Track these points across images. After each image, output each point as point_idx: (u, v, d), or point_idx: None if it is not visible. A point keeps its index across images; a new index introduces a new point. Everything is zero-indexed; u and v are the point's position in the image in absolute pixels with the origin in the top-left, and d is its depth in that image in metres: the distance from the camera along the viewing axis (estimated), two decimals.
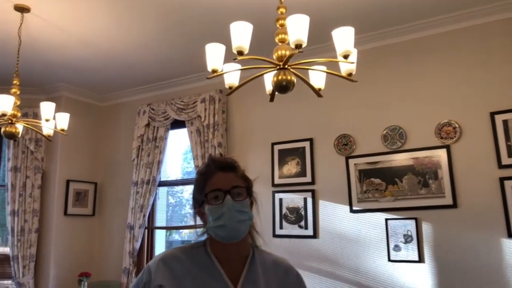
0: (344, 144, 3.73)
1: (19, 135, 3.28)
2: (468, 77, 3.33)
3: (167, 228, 5.07)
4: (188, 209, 4.98)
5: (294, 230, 3.82)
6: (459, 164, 3.26)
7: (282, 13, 2.19)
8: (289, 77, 2.07)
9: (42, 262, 4.75)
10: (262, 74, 2.28)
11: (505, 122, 3.13)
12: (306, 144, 3.91)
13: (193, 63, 4.26)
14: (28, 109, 4.72)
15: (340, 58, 2.03)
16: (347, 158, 3.69)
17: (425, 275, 3.23)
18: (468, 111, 3.29)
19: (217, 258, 1.23)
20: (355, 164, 3.64)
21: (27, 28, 3.42)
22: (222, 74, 2.16)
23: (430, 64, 3.49)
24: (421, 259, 3.26)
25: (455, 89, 3.36)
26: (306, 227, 3.77)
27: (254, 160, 4.19)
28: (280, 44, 2.12)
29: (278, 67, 2.10)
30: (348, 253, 3.56)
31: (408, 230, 3.33)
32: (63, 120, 3.36)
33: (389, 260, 3.36)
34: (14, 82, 3.25)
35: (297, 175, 3.90)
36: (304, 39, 1.89)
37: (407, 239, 3.32)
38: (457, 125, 3.29)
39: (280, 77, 2.07)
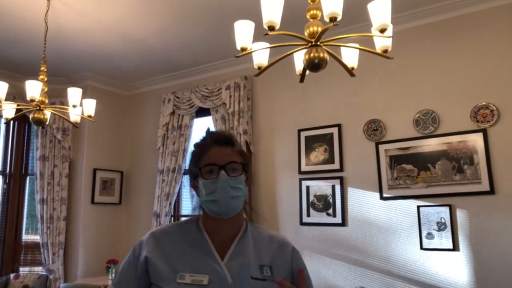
0: (374, 130, 3.62)
1: (47, 122, 3.30)
2: (508, 57, 3.16)
3: (193, 216, 5.06)
4: None
5: (322, 217, 3.74)
6: (496, 148, 3.11)
7: None
8: (321, 54, 1.99)
9: (70, 249, 4.83)
10: (293, 53, 2.20)
11: None
12: (334, 130, 3.81)
13: (218, 49, 4.21)
14: (55, 99, 4.76)
15: (375, 33, 1.93)
16: (377, 144, 3.58)
17: (460, 264, 3.11)
18: (507, 92, 3.12)
19: (208, 232, 1.22)
20: (385, 150, 3.53)
21: (53, 13, 3.42)
22: (252, 52, 2.10)
23: (465, 44, 3.33)
24: (455, 247, 3.14)
25: (493, 70, 3.20)
26: (334, 215, 3.69)
27: (280, 147, 4.12)
28: (311, 20, 2.03)
29: (310, 44, 2.02)
30: (378, 241, 3.47)
31: (441, 218, 3.21)
32: (89, 106, 3.36)
33: (421, 248, 3.26)
34: (42, 68, 3.26)
35: (325, 162, 3.82)
36: (339, 12, 1.80)
37: (441, 226, 3.21)
38: (494, 108, 3.13)
39: (312, 55, 1.99)
